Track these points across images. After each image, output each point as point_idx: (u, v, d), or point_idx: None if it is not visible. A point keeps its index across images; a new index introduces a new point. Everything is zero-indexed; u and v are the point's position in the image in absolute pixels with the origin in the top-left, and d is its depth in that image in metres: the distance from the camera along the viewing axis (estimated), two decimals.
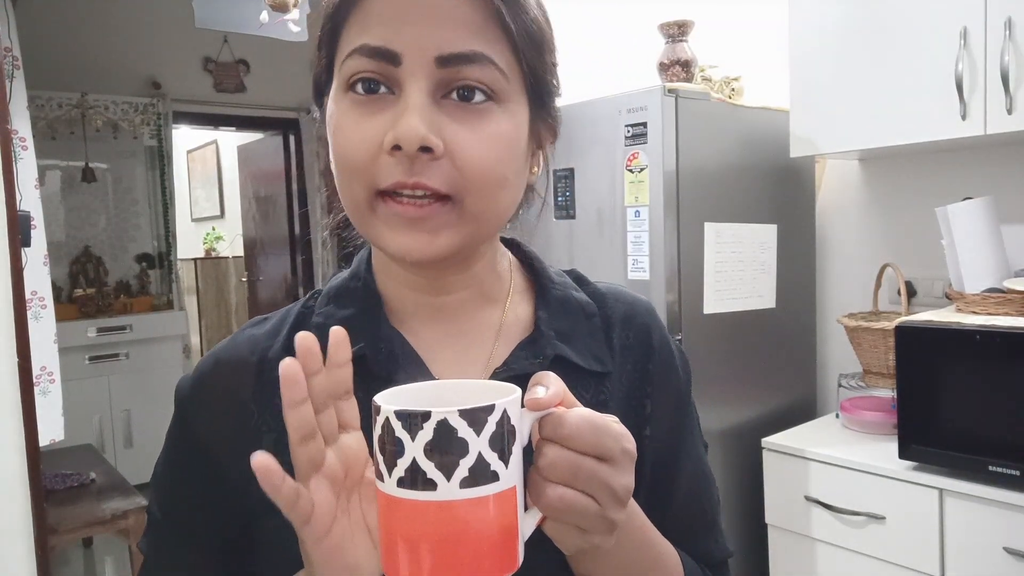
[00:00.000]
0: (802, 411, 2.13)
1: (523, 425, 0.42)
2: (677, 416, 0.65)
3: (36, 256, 2.16)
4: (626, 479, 0.44)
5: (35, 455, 1.70)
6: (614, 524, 0.44)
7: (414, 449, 0.39)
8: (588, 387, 0.60)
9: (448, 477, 0.39)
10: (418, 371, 0.57)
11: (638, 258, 1.82)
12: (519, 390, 0.42)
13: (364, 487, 0.45)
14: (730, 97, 2.04)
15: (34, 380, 1.85)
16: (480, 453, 0.39)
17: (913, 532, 1.53)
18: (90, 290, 4.24)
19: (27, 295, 1.75)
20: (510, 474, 0.41)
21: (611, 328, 0.63)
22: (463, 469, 0.39)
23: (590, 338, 0.62)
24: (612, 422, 0.44)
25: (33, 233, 2.09)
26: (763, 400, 2.04)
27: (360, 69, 0.50)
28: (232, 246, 6.16)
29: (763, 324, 2.01)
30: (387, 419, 0.40)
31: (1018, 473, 1.38)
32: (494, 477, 0.40)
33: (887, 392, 1.83)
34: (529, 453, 0.43)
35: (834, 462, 1.67)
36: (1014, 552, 1.38)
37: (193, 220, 6.54)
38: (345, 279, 0.62)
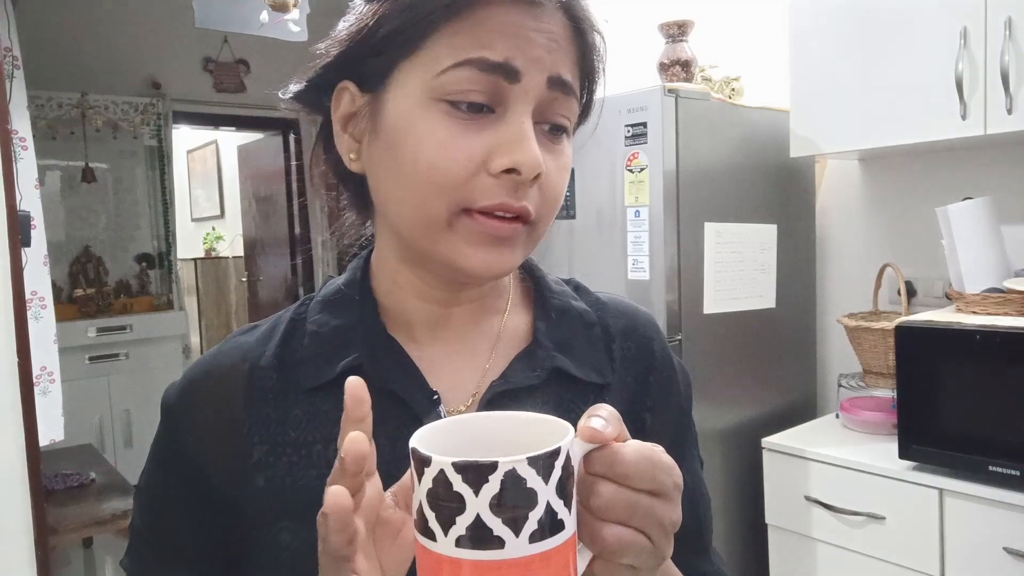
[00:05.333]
0: (802, 411, 2.13)
1: (576, 462, 0.39)
2: (677, 431, 0.64)
3: (36, 256, 2.16)
4: (676, 514, 0.42)
5: (35, 455, 1.70)
6: (664, 559, 0.43)
7: (478, 505, 0.35)
8: (587, 398, 0.59)
9: (517, 532, 0.35)
10: (415, 382, 0.56)
11: (638, 258, 1.82)
12: (569, 425, 0.39)
13: (380, 526, 0.42)
14: (730, 97, 2.04)
15: (34, 380, 1.84)
16: (548, 502, 0.36)
17: (913, 532, 1.53)
18: (90, 290, 4.24)
19: (27, 295, 1.75)
20: (572, 519, 0.38)
21: (611, 339, 0.62)
22: (532, 522, 0.35)
23: (589, 348, 0.61)
24: (662, 453, 0.42)
25: (33, 233, 2.09)
26: (763, 400, 2.04)
27: (471, 85, 0.49)
28: (232, 246, 6.16)
29: (763, 324, 2.01)
30: (441, 471, 0.35)
31: (1018, 473, 1.38)
32: (560, 526, 0.37)
33: (887, 392, 1.83)
34: None
35: (834, 462, 1.67)
36: (1014, 552, 1.38)
37: (193, 220, 6.54)
38: (339, 286, 0.61)
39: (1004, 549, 1.40)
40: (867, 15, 1.73)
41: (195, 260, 5.95)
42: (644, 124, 1.77)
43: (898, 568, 1.56)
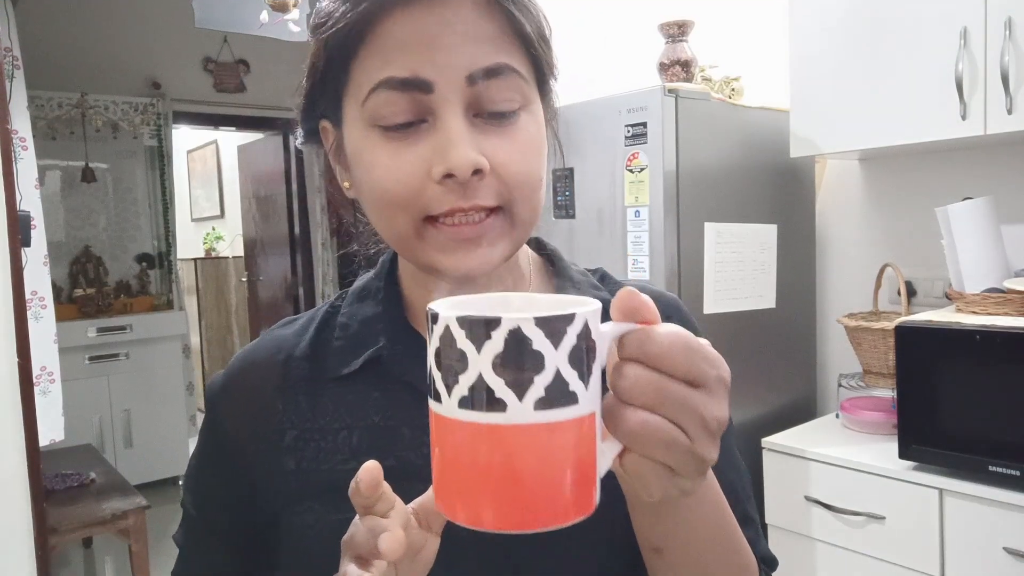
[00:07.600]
0: (802, 411, 2.13)
1: (603, 343, 0.36)
2: None
3: (36, 256, 2.16)
4: (719, 410, 0.37)
5: (35, 455, 1.70)
6: (705, 464, 0.38)
7: (480, 363, 0.33)
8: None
9: (520, 396, 0.33)
10: None
11: (638, 258, 1.82)
12: (598, 302, 0.36)
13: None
14: (730, 97, 2.04)
15: (34, 380, 1.85)
16: (558, 370, 0.33)
17: (913, 532, 1.53)
18: (90, 290, 4.24)
19: (27, 295, 1.75)
20: (590, 397, 0.35)
21: None
22: (538, 388, 0.33)
23: None
24: (706, 345, 0.38)
25: (33, 233, 2.09)
26: (763, 400, 2.04)
27: (392, 106, 0.49)
28: (232, 246, 6.16)
29: (763, 324, 2.01)
30: (447, 328, 0.34)
31: (1018, 473, 1.38)
32: (572, 399, 0.34)
33: (887, 392, 1.83)
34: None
35: (834, 462, 1.67)
36: (1014, 552, 1.38)
37: (193, 220, 6.54)
38: (369, 279, 0.64)
39: (1004, 549, 1.40)
40: (867, 15, 1.73)
41: (195, 260, 5.96)
42: (644, 124, 1.77)
43: (898, 568, 1.56)
